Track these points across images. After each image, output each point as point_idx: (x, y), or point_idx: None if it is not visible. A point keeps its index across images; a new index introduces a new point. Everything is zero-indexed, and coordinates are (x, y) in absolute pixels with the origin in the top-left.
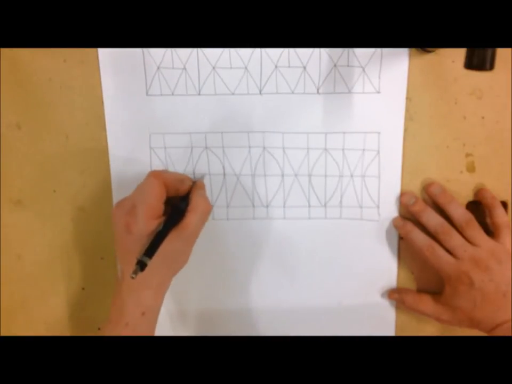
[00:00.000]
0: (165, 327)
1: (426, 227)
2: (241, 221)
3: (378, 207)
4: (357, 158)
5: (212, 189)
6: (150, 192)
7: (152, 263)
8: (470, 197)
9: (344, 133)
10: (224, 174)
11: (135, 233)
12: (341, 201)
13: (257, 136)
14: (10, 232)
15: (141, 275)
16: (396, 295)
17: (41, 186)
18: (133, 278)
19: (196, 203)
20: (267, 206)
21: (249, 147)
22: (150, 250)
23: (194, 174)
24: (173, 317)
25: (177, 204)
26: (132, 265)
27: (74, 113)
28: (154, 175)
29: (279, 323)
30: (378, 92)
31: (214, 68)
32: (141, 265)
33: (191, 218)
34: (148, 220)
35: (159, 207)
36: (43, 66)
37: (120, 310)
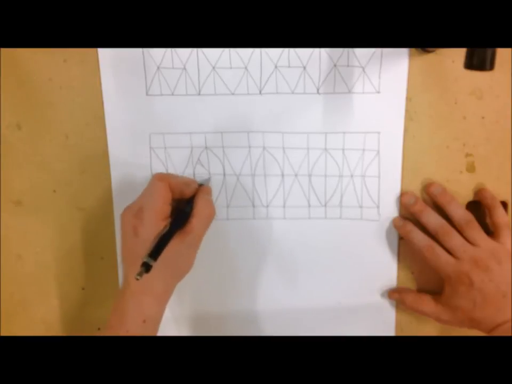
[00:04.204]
0: (163, 327)
1: (426, 227)
2: (241, 221)
3: (378, 207)
4: (357, 158)
5: (212, 189)
6: (155, 194)
7: (156, 269)
8: (470, 197)
9: (344, 133)
10: (224, 174)
11: (141, 235)
12: (341, 201)
13: (257, 136)
14: (10, 232)
15: (144, 281)
16: (396, 295)
17: (41, 186)
18: (137, 279)
19: (200, 208)
20: (267, 206)
21: (249, 147)
22: (155, 252)
23: (194, 174)
24: (171, 318)
25: (182, 207)
26: (137, 269)
27: (74, 113)
28: (159, 177)
29: (279, 323)
30: (378, 92)
31: (214, 68)
32: (146, 267)
33: (195, 223)
34: (154, 221)
35: (165, 209)
36: (43, 66)
37: (121, 316)
